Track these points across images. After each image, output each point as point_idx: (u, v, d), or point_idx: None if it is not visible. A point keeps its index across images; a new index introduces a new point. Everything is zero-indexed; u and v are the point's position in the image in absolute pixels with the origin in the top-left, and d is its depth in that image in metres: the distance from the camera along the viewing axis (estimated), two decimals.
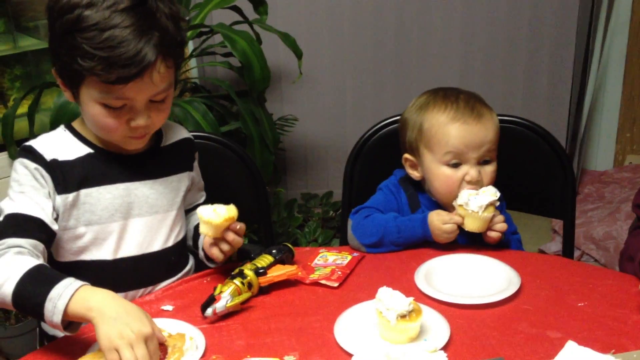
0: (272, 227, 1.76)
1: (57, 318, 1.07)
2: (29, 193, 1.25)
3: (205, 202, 1.54)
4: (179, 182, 1.43)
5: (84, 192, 1.30)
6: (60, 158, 1.29)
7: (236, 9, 2.42)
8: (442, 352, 1.02)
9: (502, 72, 3.16)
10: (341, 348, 1.12)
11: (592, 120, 3.40)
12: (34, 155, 1.27)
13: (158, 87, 1.23)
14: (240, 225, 1.31)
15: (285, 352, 1.10)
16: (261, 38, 2.39)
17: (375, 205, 1.51)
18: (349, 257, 1.42)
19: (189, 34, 2.34)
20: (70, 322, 1.12)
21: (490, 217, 1.38)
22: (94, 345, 1.13)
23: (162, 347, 1.10)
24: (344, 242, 1.71)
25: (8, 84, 2.65)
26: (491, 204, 1.37)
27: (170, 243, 1.41)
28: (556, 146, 1.67)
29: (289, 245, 1.40)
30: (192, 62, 2.73)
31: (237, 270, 1.30)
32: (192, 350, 1.12)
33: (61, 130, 1.35)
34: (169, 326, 1.17)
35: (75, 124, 1.36)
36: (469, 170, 1.42)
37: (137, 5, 1.18)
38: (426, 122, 1.45)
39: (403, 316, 1.11)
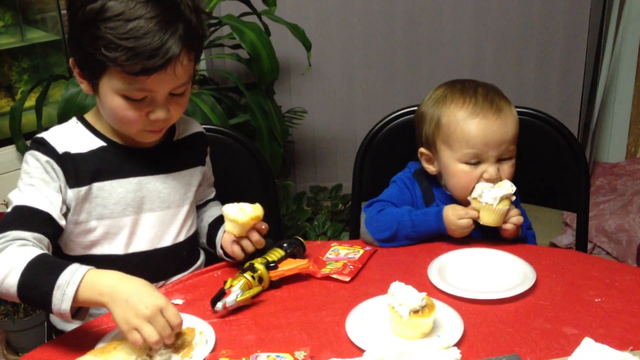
0: (281, 220, 1.75)
1: (67, 305, 1.07)
2: (38, 186, 1.24)
3: (216, 197, 1.53)
4: (192, 177, 1.41)
5: (96, 185, 1.28)
6: (73, 151, 1.27)
7: (244, 1, 2.40)
8: (455, 348, 1.01)
9: (514, 63, 3.12)
10: (352, 343, 1.10)
11: (605, 112, 3.37)
12: (46, 148, 1.26)
13: (180, 80, 1.22)
14: (265, 225, 1.31)
15: (296, 347, 1.08)
16: (270, 29, 2.37)
17: (389, 198, 1.49)
18: (361, 251, 1.41)
19: None
20: (78, 309, 1.11)
21: (505, 210, 1.36)
22: (104, 338, 1.13)
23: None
24: (353, 236, 1.70)
25: (16, 77, 2.65)
26: (506, 196, 1.35)
27: (181, 238, 1.39)
28: (569, 138, 1.64)
29: (301, 239, 1.38)
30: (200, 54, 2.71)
31: (247, 264, 1.28)
32: (202, 345, 1.10)
33: (73, 123, 1.33)
34: None
35: (88, 117, 1.34)
36: (488, 168, 1.40)
37: None
38: (444, 117, 1.42)
39: (416, 311, 1.09)
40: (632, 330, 1.10)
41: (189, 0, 1.21)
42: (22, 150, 2.38)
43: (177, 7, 1.19)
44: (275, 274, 1.28)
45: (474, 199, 1.39)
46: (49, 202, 1.23)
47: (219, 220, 1.41)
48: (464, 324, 1.12)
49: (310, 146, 3.17)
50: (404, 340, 1.10)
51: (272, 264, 1.28)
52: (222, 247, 1.37)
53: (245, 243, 1.31)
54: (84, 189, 1.27)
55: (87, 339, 1.14)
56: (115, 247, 1.33)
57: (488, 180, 1.40)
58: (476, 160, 1.40)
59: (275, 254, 1.32)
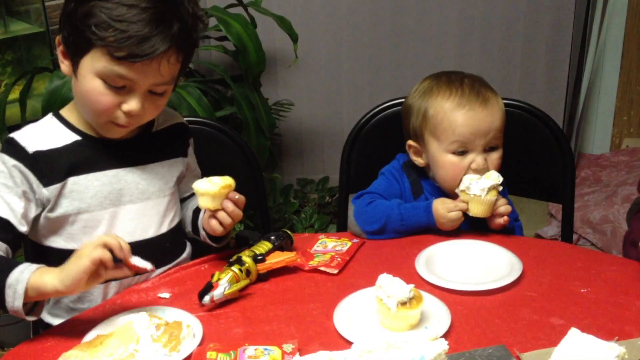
0: (268, 213, 1.75)
1: (19, 302, 1.10)
2: (0, 191, 1.23)
3: None
4: (171, 167, 1.40)
5: (71, 180, 1.27)
6: (46, 147, 1.26)
7: None
8: (443, 339, 1.00)
9: (499, 55, 3.13)
10: (340, 336, 1.10)
11: (589, 104, 3.39)
12: (15, 149, 1.25)
13: (163, 78, 1.21)
14: (239, 196, 1.28)
15: (284, 339, 1.08)
16: (256, 21, 2.35)
17: (377, 190, 1.49)
18: (349, 244, 1.41)
19: None
20: (34, 305, 1.15)
21: (493, 200, 1.37)
22: (90, 333, 1.12)
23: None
24: (340, 228, 1.70)
25: None
26: (493, 187, 1.36)
27: (164, 229, 1.38)
28: (555, 129, 1.65)
29: (288, 232, 1.38)
30: None
31: (235, 257, 1.28)
32: (190, 338, 1.10)
33: (49, 118, 1.33)
34: (166, 314, 1.16)
35: (64, 112, 1.33)
36: (475, 158, 1.41)
37: None
38: (431, 109, 1.43)
39: (403, 303, 1.10)
40: (617, 321, 1.11)
41: (190, 6, 1.21)
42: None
43: (177, 6, 1.19)
44: (262, 267, 1.28)
45: (462, 191, 1.39)
46: (10, 209, 1.22)
47: None
48: (451, 316, 1.13)
49: (297, 138, 3.17)
50: (392, 332, 1.11)
51: (259, 257, 1.28)
52: (204, 229, 1.36)
53: (221, 215, 1.28)
54: (59, 185, 1.26)
55: (73, 333, 1.14)
56: None
57: (476, 171, 1.40)
58: (463, 150, 1.41)
59: (263, 246, 1.31)
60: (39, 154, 1.25)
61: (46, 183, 1.25)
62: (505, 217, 1.41)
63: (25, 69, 2.51)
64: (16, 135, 1.27)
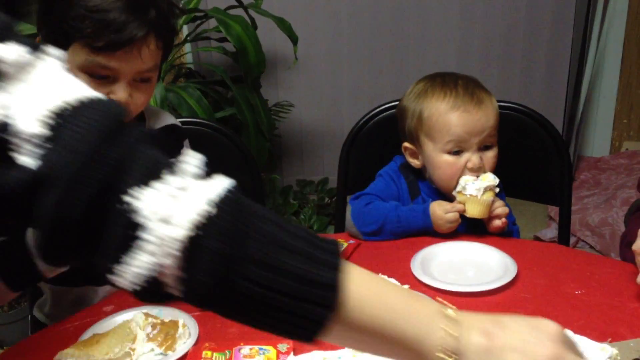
0: None
1: None
2: None
3: None
4: None
5: None
6: None
7: None
8: None
9: (499, 58, 3.14)
10: None
11: (589, 107, 3.39)
12: None
13: (146, 64, 1.21)
14: None
15: (279, 339, 1.08)
16: (256, 23, 2.36)
17: (375, 192, 1.49)
18: (345, 244, 1.41)
19: (183, 18, 2.32)
20: None
21: (490, 201, 1.38)
22: (86, 331, 1.13)
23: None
24: (338, 229, 1.71)
25: None
26: (490, 188, 1.37)
27: None
28: (553, 132, 1.65)
29: None
30: (187, 47, 2.71)
31: None
32: (185, 338, 1.10)
33: None
34: (162, 313, 1.16)
35: None
36: (471, 157, 1.41)
37: None
38: (426, 111, 1.43)
39: None
40: (611, 322, 1.11)
41: None
42: None
43: None
44: None
45: (459, 192, 1.40)
46: None
47: None
48: None
49: (296, 140, 3.18)
50: None
51: None
52: None
53: None
54: None
55: (70, 332, 1.14)
56: None
57: (471, 170, 1.41)
58: (459, 149, 1.42)
59: None
60: None
61: None
62: (503, 219, 1.41)
63: None
64: None
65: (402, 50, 3.08)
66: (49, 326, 1.24)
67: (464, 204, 1.39)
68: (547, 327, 0.70)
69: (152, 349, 1.08)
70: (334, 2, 2.97)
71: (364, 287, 0.67)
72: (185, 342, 1.10)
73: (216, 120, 2.12)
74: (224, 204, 0.60)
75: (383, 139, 1.65)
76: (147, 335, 1.09)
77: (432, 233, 1.42)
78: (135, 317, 1.12)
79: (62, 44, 1.19)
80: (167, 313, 1.17)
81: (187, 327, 1.13)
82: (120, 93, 1.22)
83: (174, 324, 1.12)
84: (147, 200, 0.58)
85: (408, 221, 1.42)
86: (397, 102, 1.65)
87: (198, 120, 1.67)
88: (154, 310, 1.17)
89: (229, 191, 0.61)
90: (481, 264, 1.32)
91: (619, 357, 0.96)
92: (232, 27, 2.18)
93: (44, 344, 1.13)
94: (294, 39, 2.34)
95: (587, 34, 3.13)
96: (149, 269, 0.58)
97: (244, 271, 0.61)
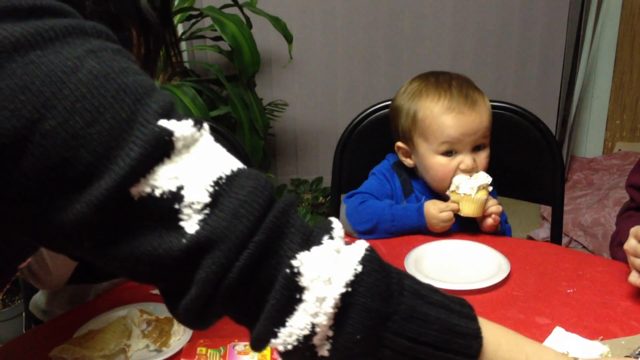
0: None
1: None
2: None
3: None
4: None
5: None
6: None
7: None
8: None
9: (493, 58, 3.15)
10: None
11: (582, 107, 3.41)
12: None
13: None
14: None
15: None
16: (251, 22, 2.37)
17: (369, 190, 1.50)
18: None
19: (178, 17, 2.32)
20: None
21: (484, 199, 1.39)
22: (81, 328, 1.13)
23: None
24: None
25: None
26: (483, 186, 1.38)
27: None
28: (546, 132, 1.66)
29: None
30: (182, 46, 2.71)
31: None
32: (180, 335, 1.11)
33: None
34: (157, 310, 1.17)
35: None
36: (464, 159, 1.42)
37: None
38: (420, 112, 1.44)
39: None
40: (602, 320, 1.12)
41: None
42: None
43: None
44: None
45: (452, 191, 1.41)
46: None
47: None
48: None
49: (291, 139, 3.18)
50: None
51: None
52: None
53: None
54: None
55: (65, 328, 1.14)
56: None
57: (464, 171, 1.42)
58: (452, 150, 1.42)
59: None
60: None
61: None
62: (496, 217, 1.42)
63: None
64: None
65: (396, 50, 3.09)
66: (44, 323, 1.24)
67: (458, 203, 1.40)
68: None
69: (147, 345, 1.08)
70: (329, 1, 2.97)
71: (494, 334, 0.73)
72: (179, 339, 1.10)
73: (211, 119, 2.12)
74: (369, 261, 0.64)
75: (377, 138, 1.65)
76: (142, 331, 1.09)
77: (426, 232, 1.43)
78: (130, 313, 1.12)
79: None
80: (162, 310, 1.17)
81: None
82: None
83: (169, 320, 1.13)
84: (311, 263, 0.61)
85: (402, 220, 1.43)
86: (390, 102, 1.66)
87: None
88: (149, 306, 1.17)
89: (368, 249, 0.65)
90: (474, 262, 1.33)
91: (610, 355, 0.97)
92: (227, 25, 2.19)
93: (39, 340, 1.13)
94: (289, 38, 2.35)
95: (580, 35, 3.15)
96: (306, 328, 0.61)
97: (393, 325, 0.64)
